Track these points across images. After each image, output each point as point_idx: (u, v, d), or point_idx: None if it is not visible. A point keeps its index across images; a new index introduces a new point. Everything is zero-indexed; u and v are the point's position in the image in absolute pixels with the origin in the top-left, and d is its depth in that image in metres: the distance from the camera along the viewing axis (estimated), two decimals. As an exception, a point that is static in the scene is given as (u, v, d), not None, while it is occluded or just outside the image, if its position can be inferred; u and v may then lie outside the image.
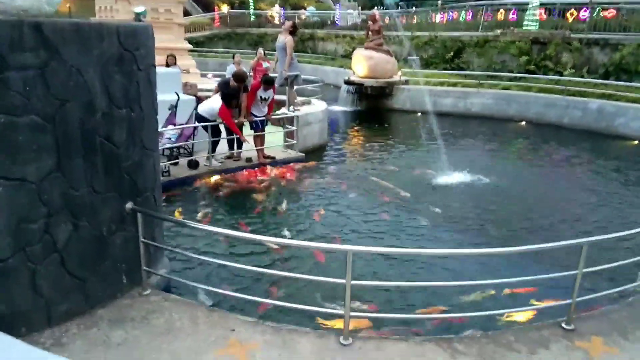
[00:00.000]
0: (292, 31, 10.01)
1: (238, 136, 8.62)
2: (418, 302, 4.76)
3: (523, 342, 3.68)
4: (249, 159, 8.95)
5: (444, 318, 3.96)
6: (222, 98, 8.13)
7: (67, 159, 3.45)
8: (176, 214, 6.69)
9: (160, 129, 7.59)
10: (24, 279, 3.37)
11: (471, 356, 3.50)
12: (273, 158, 9.20)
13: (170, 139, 7.80)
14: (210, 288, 4.21)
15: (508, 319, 4.39)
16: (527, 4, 18.53)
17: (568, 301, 3.84)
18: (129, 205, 3.98)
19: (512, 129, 14.32)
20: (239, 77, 8.36)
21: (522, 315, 4.39)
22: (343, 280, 3.46)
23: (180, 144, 8.05)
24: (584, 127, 13.76)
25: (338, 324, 3.93)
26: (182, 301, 4.06)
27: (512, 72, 17.14)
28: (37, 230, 3.36)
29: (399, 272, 5.40)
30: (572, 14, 17.11)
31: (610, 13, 16.03)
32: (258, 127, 8.88)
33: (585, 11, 16.43)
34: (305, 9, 35.05)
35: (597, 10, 16.29)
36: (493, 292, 4.78)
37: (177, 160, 8.14)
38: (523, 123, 14.88)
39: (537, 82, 15.97)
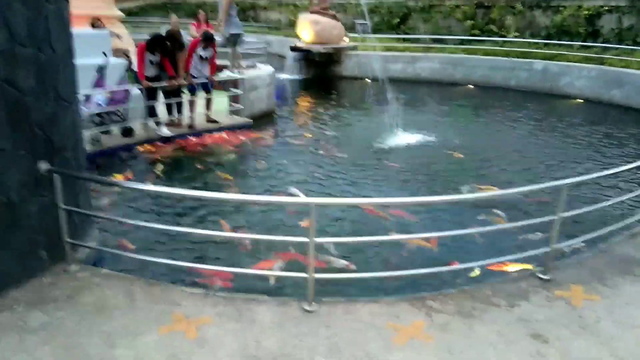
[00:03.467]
0: None
1: (176, 99, 7.91)
2: (388, 261, 4.41)
3: (501, 296, 3.38)
4: (190, 126, 8.25)
5: (416, 274, 3.60)
6: (146, 42, 7.36)
7: (-46, 105, 2.76)
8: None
9: (87, 92, 6.81)
10: None
11: (448, 313, 3.16)
12: (217, 122, 8.54)
13: (99, 104, 6.97)
14: (152, 258, 3.63)
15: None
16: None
17: (545, 249, 3.58)
18: (44, 165, 3.31)
19: (460, 93, 14.23)
20: (172, 34, 7.57)
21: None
22: (306, 238, 3.00)
23: (112, 109, 7.21)
24: (530, 88, 13.89)
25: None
26: (116, 275, 3.46)
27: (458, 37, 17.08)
28: None
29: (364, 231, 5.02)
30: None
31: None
32: (194, 90, 8.18)
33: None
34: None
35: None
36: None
37: (108, 128, 7.32)
38: (470, 86, 14.84)
39: (483, 45, 15.97)
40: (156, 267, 3.99)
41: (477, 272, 4.12)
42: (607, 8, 14.46)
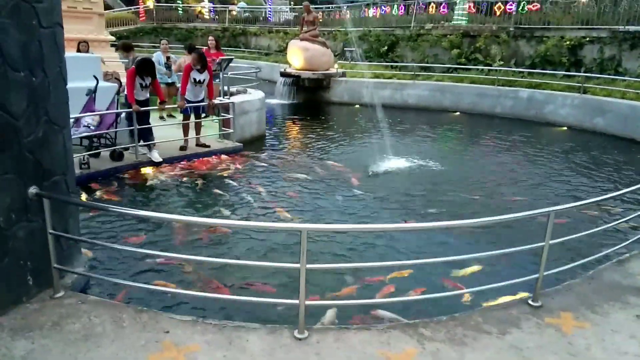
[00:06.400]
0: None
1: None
2: (378, 287, 4.40)
3: (492, 323, 3.39)
4: (183, 147, 8.26)
5: (406, 301, 3.60)
6: (135, 66, 7.38)
7: (-56, 129, 2.74)
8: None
9: (77, 116, 6.80)
10: None
11: (439, 341, 3.15)
12: (208, 146, 8.56)
13: (88, 126, 6.95)
14: (140, 284, 3.59)
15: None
16: (457, -1, 19.00)
17: (535, 276, 3.61)
18: (33, 190, 3.28)
19: (448, 119, 14.45)
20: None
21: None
22: (297, 265, 2.99)
23: (101, 132, 7.19)
24: (515, 116, 14.17)
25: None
26: (104, 302, 3.41)
27: (445, 65, 17.44)
28: None
29: (356, 257, 5.01)
30: (499, 8, 17.62)
31: (535, 6, 16.64)
32: (187, 112, 8.24)
33: (511, 5, 16.97)
34: (235, 4, 34.20)
35: (522, 4, 16.88)
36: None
37: (97, 151, 7.28)
38: (457, 113, 15.09)
39: (469, 73, 16.31)
40: (146, 294, 3.94)
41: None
42: (589, 39, 14.90)
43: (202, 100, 8.34)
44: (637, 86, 12.58)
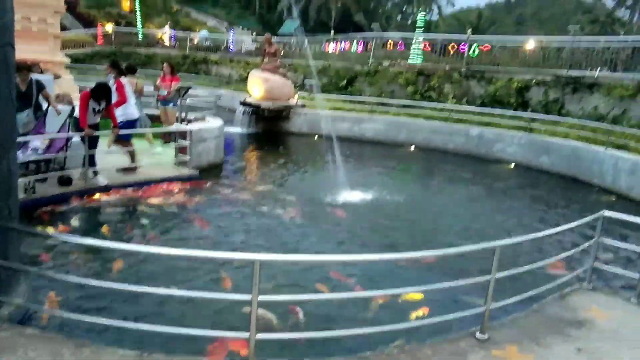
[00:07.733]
0: None
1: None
2: (328, 319, 4.38)
3: (441, 356, 3.45)
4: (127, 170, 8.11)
5: (357, 333, 3.60)
6: (91, 90, 7.22)
7: None
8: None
9: (25, 139, 6.57)
10: None
11: (390, 375, 3.17)
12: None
13: (36, 150, 6.70)
14: (84, 317, 3.43)
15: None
16: (412, 38, 19.79)
17: (482, 309, 3.70)
18: (-28, 215, 3.13)
19: (403, 154, 14.81)
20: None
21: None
22: (248, 296, 2.95)
23: (49, 156, 6.94)
24: (466, 152, 14.69)
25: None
26: (43, 336, 3.23)
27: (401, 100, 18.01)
28: None
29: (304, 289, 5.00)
30: (452, 48, 18.48)
31: (486, 47, 17.57)
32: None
33: (463, 46, 17.86)
34: (197, 32, 34.32)
35: (474, 46, 17.79)
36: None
37: (45, 176, 7.00)
38: (412, 148, 15.51)
39: (424, 110, 16.87)
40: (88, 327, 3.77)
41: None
42: (535, 81, 15.82)
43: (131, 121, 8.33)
44: (578, 127, 13.37)
